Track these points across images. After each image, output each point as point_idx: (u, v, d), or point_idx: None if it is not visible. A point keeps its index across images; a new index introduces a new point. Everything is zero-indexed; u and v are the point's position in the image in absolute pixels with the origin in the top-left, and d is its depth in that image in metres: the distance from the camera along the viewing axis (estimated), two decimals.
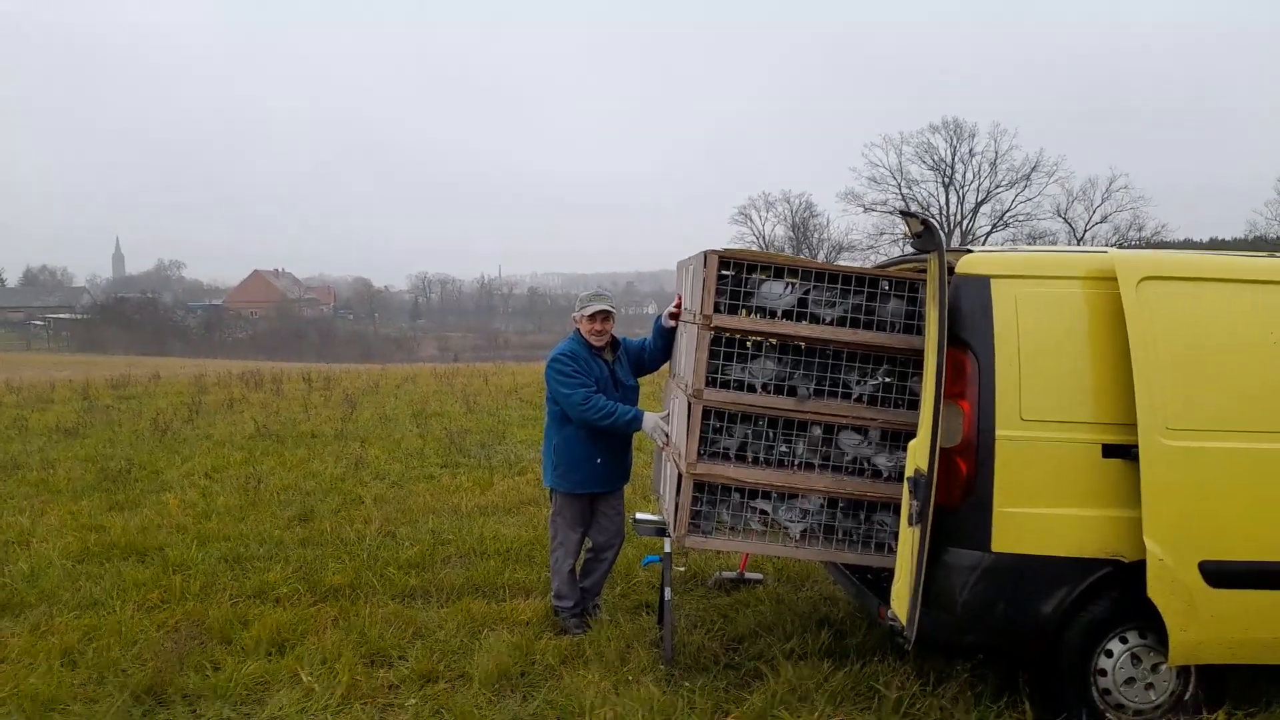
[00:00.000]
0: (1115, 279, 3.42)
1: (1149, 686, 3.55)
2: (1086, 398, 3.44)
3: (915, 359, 3.79)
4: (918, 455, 3.35)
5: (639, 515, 4.55)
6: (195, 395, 16.58)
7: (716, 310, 3.83)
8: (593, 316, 4.61)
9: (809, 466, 3.91)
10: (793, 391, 3.90)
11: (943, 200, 49.26)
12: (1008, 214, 48.24)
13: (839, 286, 3.85)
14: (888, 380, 3.88)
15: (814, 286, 3.88)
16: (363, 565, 5.65)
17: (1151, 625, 3.43)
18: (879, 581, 4.10)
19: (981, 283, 3.51)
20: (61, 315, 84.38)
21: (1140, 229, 45.15)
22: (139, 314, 77.58)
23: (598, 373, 4.62)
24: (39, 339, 74.81)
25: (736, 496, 3.95)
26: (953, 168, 48.59)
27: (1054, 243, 46.12)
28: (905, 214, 3.45)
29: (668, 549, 4.35)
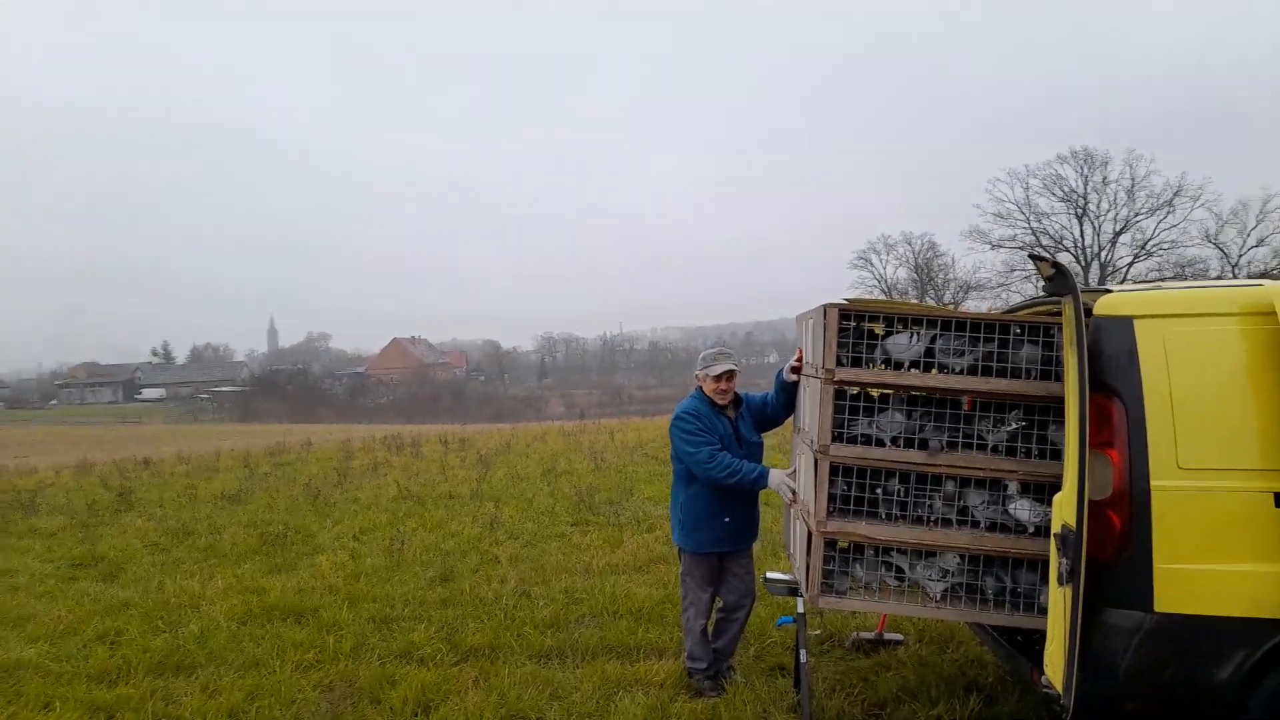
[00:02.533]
0: (1274, 314, 3.18)
1: None
2: (1251, 443, 3.18)
3: (1055, 407, 3.62)
4: (1064, 509, 3.18)
5: (770, 574, 4.48)
6: (343, 460, 17.54)
7: (838, 364, 3.79)
8: (718, 376, 4.64)
9: (946, 522, 3.77)
10: (924, 445, 3.79)
11: (1077, 232, 46.92)
12: (1150, 243, 45.34)
13: (967, 334, 3.74)
14: (1022, 425, 3.71)
15: (940, 334, 3.78)
16: (500, 625, 5.79)
17: None
18: (1031, 643, 3.88)
19: (1124, 324, 3.33)
20: (223, 388, 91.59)
21: None
22: (291, 384, 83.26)
23: (721, 430, 4.63)
24: (205, 411, 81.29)
25: (871, 554, 3.85)
26: (1085, 198, 46.26)
27: (1205, 270, 42.93)
28: (1035, 257, 3.33)
29: (801, 609, 4.26)
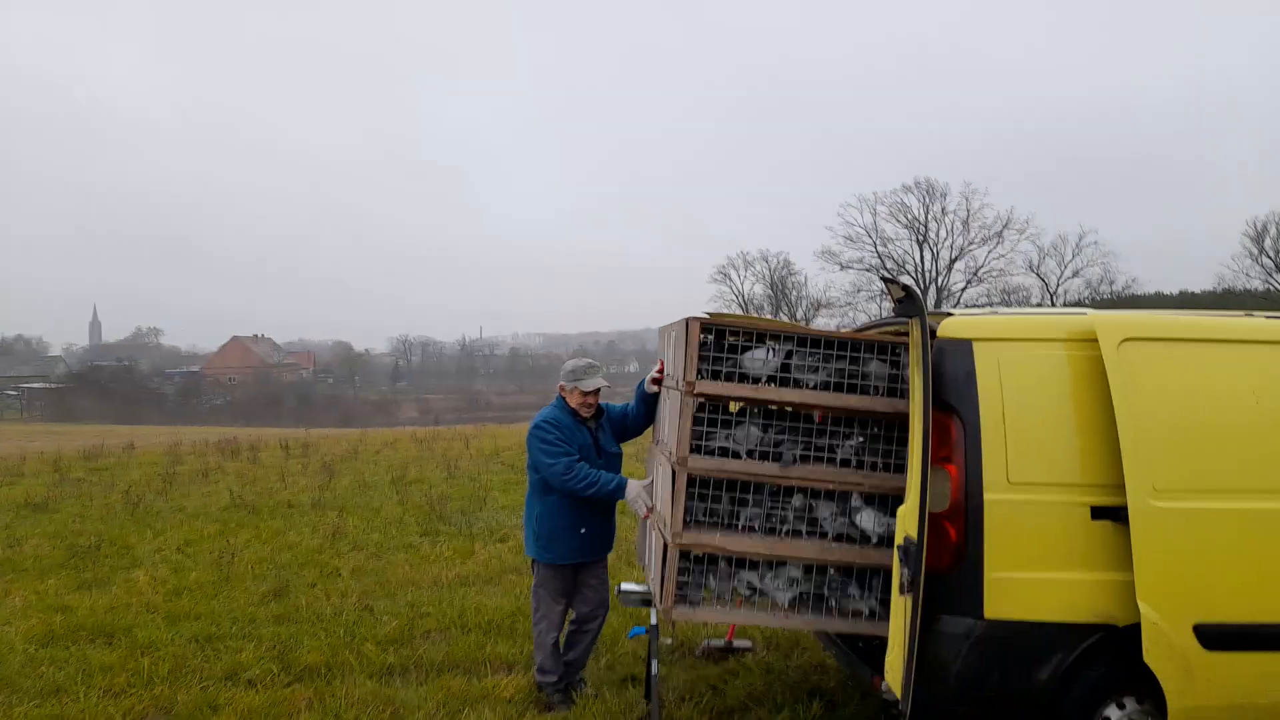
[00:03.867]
0: (1096, 340, 3.43)
1: None
2: (1073, 459, 3.42)
3: (900, 422, 3.77)
4: (907, 522, 3.30)
5: (624, 585, 4.44)
6: (169, 466, 16.28)
7: (699, 376, 3.80)
8: (589, 391, 4.57)
9: (796, 534, 3.84)
10: (778, 457, 3.86)
11: (917, 257, 50.11)
12: (981, 270, 49.06)
13: (821, 351, 3.84)
14: (865, 439, 3.84)
15: (796, 350, 3.86)
16: (339, 642, 5.47)
17: (1150, 691, 3.36)
18: (872, 650, 4.01)
19: (964, 346, 3.51)
20: (35, 385, 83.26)
21: (1111, 283, 46.03)
22: (114, 382, 76.86)
23: (581, 440, 4.56)
24: (11, 409, 73.69)
25: (724, 565, 3.87)
26: (926, 226, 49.54)
27: (1027, 298, 46.75)
28: (887, 280, 3.46)
29: (654, 620, 4.24)
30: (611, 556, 4.92)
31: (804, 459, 3.85)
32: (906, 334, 3.73)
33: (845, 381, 3.81)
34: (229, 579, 7.17)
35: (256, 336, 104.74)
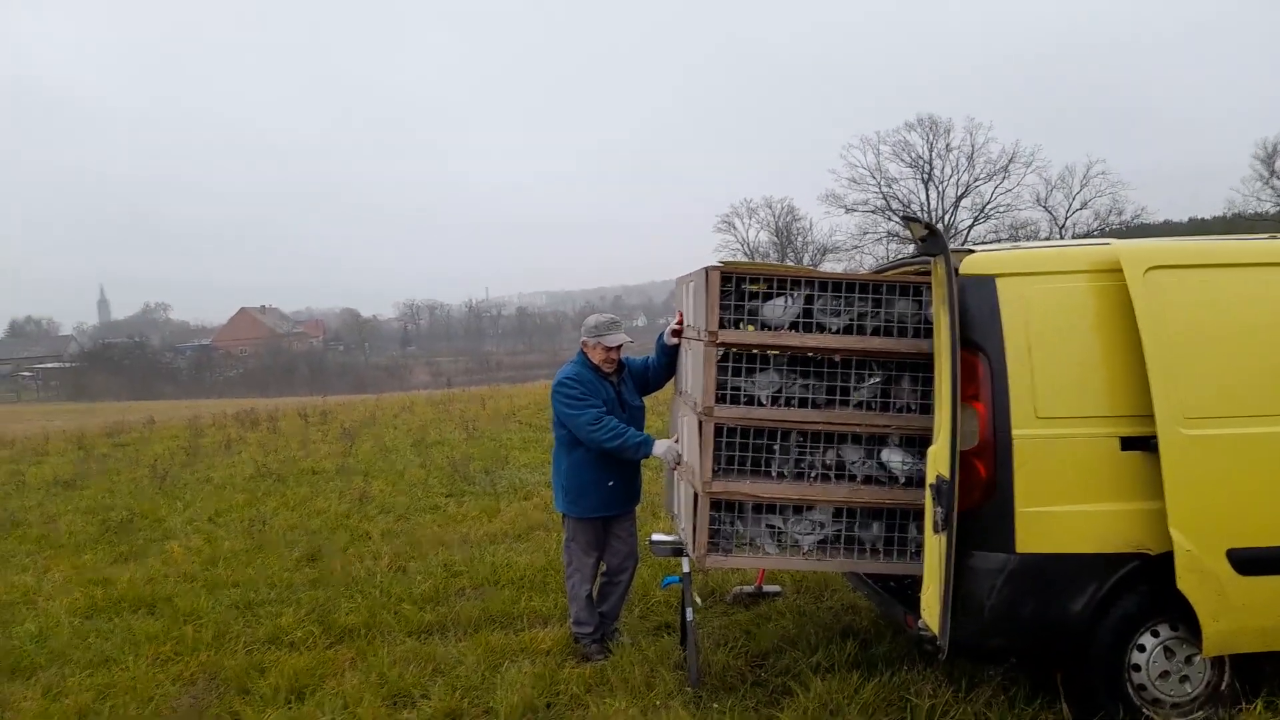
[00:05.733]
0: (1120, 270, 3.40)
1: (1184, 679, 3.51)
2: (1101, 391, 3.41)
3: (925, 362, 3.77)
4: (938, 461, 3.32)
5: (655, 536, 4.50)
6: (191, 438, 16.44)
7: (721, 326, 3.80)
8: (611, 347, 4.58)
9: (825, 478, 3.87)
10: (804, 402, 3.87)
11: (923, 196, 49.34)
12: (988, 206, 48.32)
13: (843, 295, 3.83)
14: (881, 381, 3.84)
15: (818, 295, 3.85)
16: (376, 603, 5.58)
17: (1183, 617, 3.40)
18: (904, 589, 4.07)
19: (987, 282, 3.48)
20: (49, 365, 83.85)
21: (1120, 213, 45.24)
22: (127, 359, 77.23)
23: (605, 394, 4.58)
24: (28, 390, 74.34)
25: (753, 512, 3.91)
26: (930, 164, 48.69)
27: (1036, 232, 46.17)
28: (908, 219, 3.43)
29: (686, 569, 4.30)
30: (639, 507, 4.97)
31: (829, 403, 3.86)
32: (925, 273, 3.71)
33: (869, 324, 3.80)
34: (262, 546, 7.29)
35: (263, 307, 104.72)
